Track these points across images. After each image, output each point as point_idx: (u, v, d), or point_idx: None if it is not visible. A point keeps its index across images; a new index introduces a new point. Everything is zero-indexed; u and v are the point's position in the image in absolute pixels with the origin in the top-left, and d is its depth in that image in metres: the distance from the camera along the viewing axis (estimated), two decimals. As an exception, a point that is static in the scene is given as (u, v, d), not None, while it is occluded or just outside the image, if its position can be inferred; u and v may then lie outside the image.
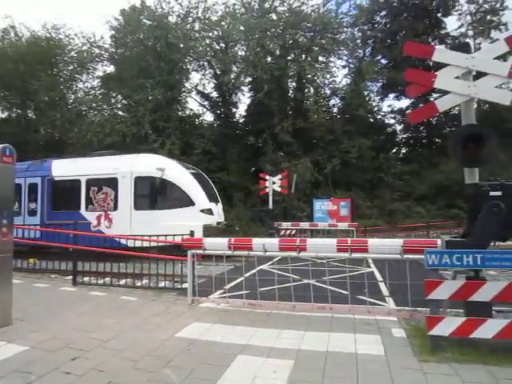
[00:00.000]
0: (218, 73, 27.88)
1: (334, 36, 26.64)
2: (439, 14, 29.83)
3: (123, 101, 27.66)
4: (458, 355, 3.90)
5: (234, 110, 30.18)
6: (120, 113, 27.68)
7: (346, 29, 27.98)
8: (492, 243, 4.31)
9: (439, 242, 4.88)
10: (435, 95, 18.33)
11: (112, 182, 14.04)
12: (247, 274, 7.25)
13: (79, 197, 14.49)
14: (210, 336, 4.75)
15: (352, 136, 26.36)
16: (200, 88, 29.56)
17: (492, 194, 4.16)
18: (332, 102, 29.92)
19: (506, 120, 23.42)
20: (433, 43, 27.46)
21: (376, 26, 31.27)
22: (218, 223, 14.27)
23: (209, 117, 31.27)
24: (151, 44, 25.55)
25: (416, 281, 4.90)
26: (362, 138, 26.37)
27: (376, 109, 31.51)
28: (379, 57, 30.99)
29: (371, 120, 30.01)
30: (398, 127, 31.91)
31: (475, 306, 4.09)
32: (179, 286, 7.57)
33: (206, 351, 4.24)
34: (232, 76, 27.74)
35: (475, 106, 4.97)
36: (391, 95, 31.45)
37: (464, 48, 4.84)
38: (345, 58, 28.40)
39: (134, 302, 6.62)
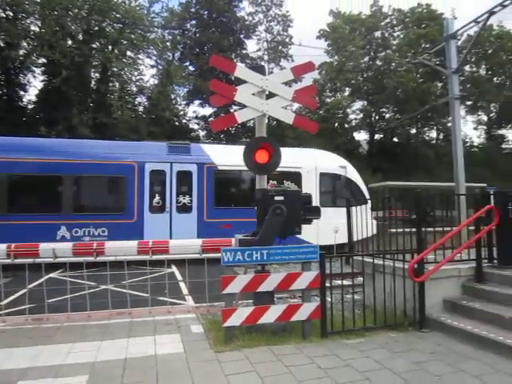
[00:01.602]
0: (2, 45, 23.27)
1: (145, 33, 26.05)
2: (242, 36, 33.29)
3: None
4: (247, 341, 4.39)
5: (22, 92, 25.77)
6: None
7: (156, 29, 27.77)
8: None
9: (234, 240, 5.37)
10: (235, 107, 20.26)
11: (295, 177, 13.01)
12: (32, 285, 6.27)
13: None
14: (-24, 364, 3.87)
15: (157, 137, 26.28)
16: (-25, 60, 24.02)
17: (276, 198, 4.87)
18: (138, 99, 29.15)
19: (287, 136, 28.27)
20: (235, 60, 30.31)
21: (186, 32, 32.34)
22: None
23: (-14, 97, 25.70)
24: None
25: (214, 277, 5.25)
26: (166, 140, 26.70)
27: (182, 113, 32.56)
28: (187, 63, 32.15)
29: (177, 123, 30.79)
30: (202, 133, 33.91)
31: (261, 296, 4.70)
32: None
33: (-29, 384, 3.45)
34: (21, 53, 23.61)
35: (266, 121, 5.73)
36: (196, 102, 33.18)
37: (260, 70, 5.52)
38: (154, 57, 28.09)
39: None
